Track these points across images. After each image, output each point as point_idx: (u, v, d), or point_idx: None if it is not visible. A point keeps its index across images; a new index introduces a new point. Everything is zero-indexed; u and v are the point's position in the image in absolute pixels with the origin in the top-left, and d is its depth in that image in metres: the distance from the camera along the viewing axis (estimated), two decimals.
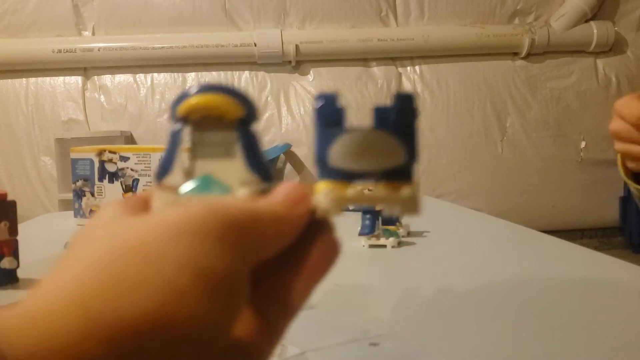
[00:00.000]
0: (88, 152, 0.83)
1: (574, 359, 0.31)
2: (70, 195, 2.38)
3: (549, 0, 2.67)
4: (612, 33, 2.60)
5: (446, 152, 2.68)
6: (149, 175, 0.80)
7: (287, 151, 2.60)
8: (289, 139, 2.62)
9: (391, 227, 0.65)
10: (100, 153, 0.82)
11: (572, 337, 0.34)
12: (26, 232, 0.84)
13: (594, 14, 2.63)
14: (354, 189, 0.22)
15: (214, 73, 2.62)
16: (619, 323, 0.36)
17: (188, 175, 0.22)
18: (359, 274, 0.35)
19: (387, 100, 0.24)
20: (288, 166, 2.65)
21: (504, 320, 0.37)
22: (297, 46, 2.54)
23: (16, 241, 0.50)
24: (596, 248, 0.58)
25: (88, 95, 2.59)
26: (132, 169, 0.80)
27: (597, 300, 0.41)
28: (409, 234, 0.69)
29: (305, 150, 2.63)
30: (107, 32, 2.58)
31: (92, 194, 0.84)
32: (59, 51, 2.47)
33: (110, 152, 0.81)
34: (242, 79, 2.63)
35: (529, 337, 0.34)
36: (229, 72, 2.63)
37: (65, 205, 2.42)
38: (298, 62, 2.62)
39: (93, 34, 2.58)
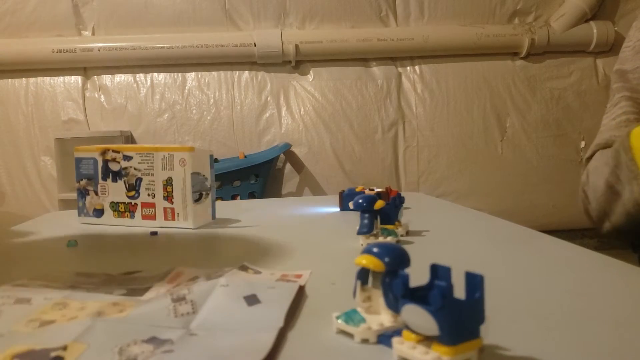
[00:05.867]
0: (92, 151, 0.83)
1: (573, 359, 0.31)
2: (70, 195, 2.39)
3: (549, 0, 2.68)
4: (612, 33, 2.61)
5: (446, 152, 2.68)
6: (151, 174, 0.80)
7: (287, 151, 2.60)
8: (289, 138, 2.62)
9: (390, 226, 0.65)
10: (104, 152, 0.82)
11: (571, 337, 0.34)
12: (30, 231, 0.85)
13: (594, 14, 2.63)
14: None
15: (214, 73, 2.63)
16: (618, 323, 0.36)
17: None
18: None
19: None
20: (288, 166, 2.65)
21: (502, 319, 0.37)
22: (297, 46, 2.54)
23: None
24: (596, 248, 0.58)
25: (88, 95, 2.60)
26: (135, 168, 0.80)
27: (596, 300, 0.42)
28: (407, 233, 0.69)
29: (305, 150, 2.63)
30: (107, 32, 2.58)
31: (96, 193, 0.84)
32: (59, 51, 2.48)
33: (113, 151, 0.81)
34: (242, 79, 2.63)
35: (528, 337, 0.34)
36: (229, 72, 2.63)
37: (65, 205, 2.42)
38: (298, 62, 2.63)
39: (93, 34, 2.58)
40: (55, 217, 1.03)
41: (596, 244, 2.62)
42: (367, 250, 0.34)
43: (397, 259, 0.33)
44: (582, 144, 2.70)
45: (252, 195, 2.43)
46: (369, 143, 2.65)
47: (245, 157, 2.48)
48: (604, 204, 0.69)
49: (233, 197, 2.40)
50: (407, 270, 0.32)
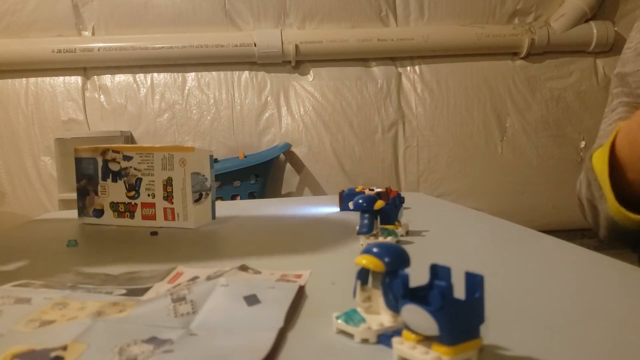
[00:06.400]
0: (92, 152, 0.83)
1: (573, 359, 0.31)
2: (70, 195, 2.39)
3: (549, 0, 2.68)
4: (611, 33, 2.61)
5: (446, 152, 2.68)
6: (151, 175, 0.80)
7: (287, 151, 2.61)
8: (289, 138, 2.62)
9: (390, 226, 0.65)
10: (103, 152, 0.82)
11: (570, 337, 0.34)
12: (30, 231, 0.85)
13: (594, 14, 2.63)
14: None
15: (213, 73, 2.63)
16: (618, 323, 0.36)
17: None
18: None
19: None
20: (288, 166, 2.65)
21: (502, 320, 0.37)
22: (297, 46, 2.54)
23: None
24: (596, 248, 0.59)
25: (88, 95, 2.60)
26: (135, 168, 0.80)
27: (596, 300, 0.42)
28: (407, 233, 0.69)
29: (305, 150, 2.63)
30: (107, 32, 2.58)
31: (96, 193, 0.84)
32: (59, 51, 2.48)
33: (113, 151, 0.81)
34: (242, 79, 2.63)
35: (528, 337, 0.34)
36: (229, 72, 2.63)
37: (65, 205, 2.42)
38: (298, 62, 2.63)
39: (93, 34, 2.59)
40: (56, 217, 1.03)
41: (596, 244, 2.62)
42: (367, 250, 0.34)
43: (397, 259, 0.33)
44: (582, 144, 2.71)
45: (252, 195, 2.43)
46: (369, 143, 2.65)
47: (245, 157, 2.48)
48: (592, 215, 0.71)
49: (233, 197, 2.40)
50: (407, 270, 0.32)
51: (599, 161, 0.63)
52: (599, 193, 0.65)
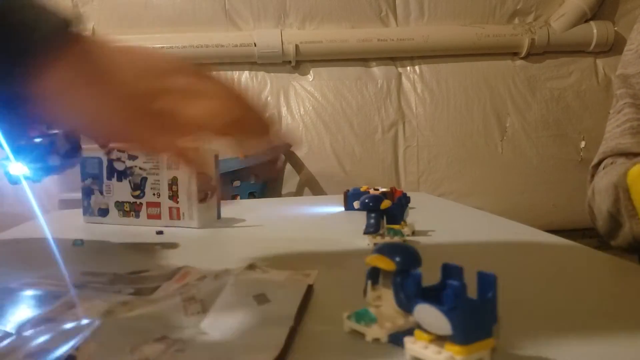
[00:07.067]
0: (97, 151, 0.84)
1: (573, 359, 0.31)
2: (70, 195, 2.38)
3: (549, 0, 2.68)
4: (612, 33, 2.61)
5: (446, 152, 2.68)
6: (156, 174, 0.80)
7: (287, 151, 2.60)
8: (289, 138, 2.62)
9: (396, 226, 0.65)
10: (108, 151, 0.82)
11: (571, 337, 0.34)
12: (33, 230, 0.84)
13: (594, 14, 2.63)
14: None
15: (213, 73, 2.62)
16: (618, 323, 0.36)
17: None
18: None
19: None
20: (288, 166, 2.65)
21: (505, 319, 0.37)
22: (297, 46, 2.54)
23: None
24: (596, 248, 0.59)
25: None
26: (140, 167, 0.81)
27: (597, 299, 0.42)
28: (413, 233, 0.69)
29: (305, 150, 2.63)
30: (107, 32, 2.58)
31: (101, 192, 0.84)
32: None
33: (118, 150, 0.82)
34: (242, 79, 2.63)
35: (529, 336, 0.34)
36: (229, 72, 2.63)
37: (65, 205, 2.41)
38: (298, 62, 2.62)
39: (93, 34, 2.58)
40: (61, 216, 1.03)
41: (596, 244, 2.62)
42: (378, 250, 0.34)
43: (408, 258, 0.33)
44: (582, 144, 2.71)
45: (252, 195, 2.43)
46: (369, 143, 2.65)
47: (246, 157, 2.48)
48: (608, 226, 0.70)
49: (233, 197, 2.40)
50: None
51: (637, 183, 0.61)
52: (629, 212, 0.64)
